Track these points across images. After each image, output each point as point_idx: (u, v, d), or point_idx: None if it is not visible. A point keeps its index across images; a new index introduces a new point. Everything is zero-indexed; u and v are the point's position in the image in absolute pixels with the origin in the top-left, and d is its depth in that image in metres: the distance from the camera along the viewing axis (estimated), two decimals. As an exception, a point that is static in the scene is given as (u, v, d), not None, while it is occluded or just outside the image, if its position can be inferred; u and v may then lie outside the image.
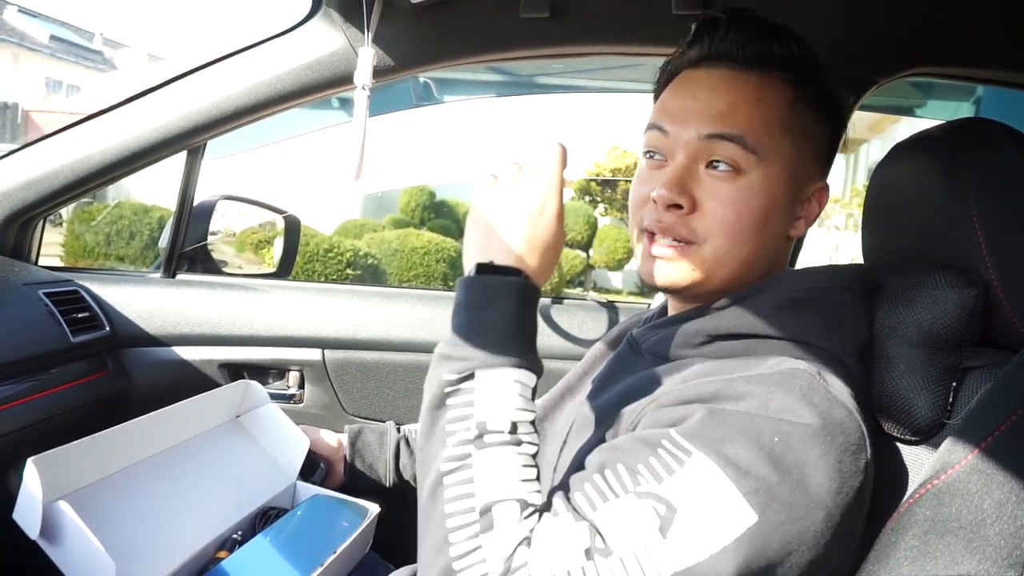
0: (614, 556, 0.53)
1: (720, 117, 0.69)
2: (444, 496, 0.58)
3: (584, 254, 10.76)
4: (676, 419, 0.60)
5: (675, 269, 0.71)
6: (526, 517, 0.57)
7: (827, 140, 0.75)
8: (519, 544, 0.55)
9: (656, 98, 0.80)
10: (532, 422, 0.62)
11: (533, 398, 0.63)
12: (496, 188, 0.67)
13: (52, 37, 23.99)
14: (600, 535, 0.55)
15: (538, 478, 0.61)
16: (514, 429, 0.59)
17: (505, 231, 0.64)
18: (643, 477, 0.57)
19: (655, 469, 0.57)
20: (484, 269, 0.64)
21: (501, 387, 0.60)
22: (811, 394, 0.59)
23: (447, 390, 0.61)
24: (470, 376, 0.60)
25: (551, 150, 0.67)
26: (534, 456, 0.61)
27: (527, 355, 0.62)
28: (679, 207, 0.69)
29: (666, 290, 0.74)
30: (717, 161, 0.69)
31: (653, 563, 0.53)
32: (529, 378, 0.61)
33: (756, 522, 0.53)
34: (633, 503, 0.55)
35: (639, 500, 0.55)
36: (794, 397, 0.58)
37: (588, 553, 0.54)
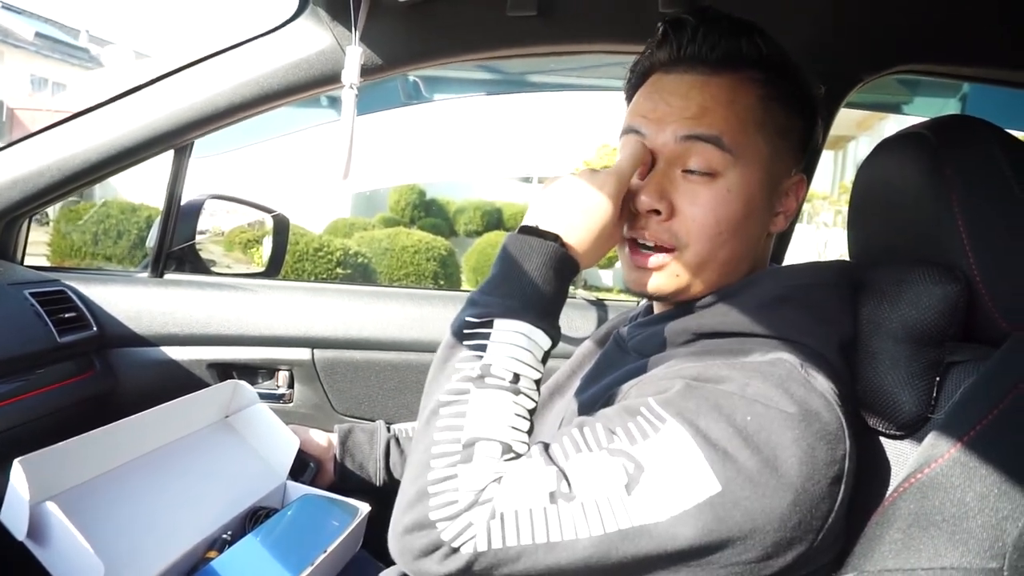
0: (576, 501, 0.56)
1: (694, 119, 0.69)
2: (436, 424, 0.61)
3: (574, 252, 10.76)
4: (657, 391, 0.62)
5: (659, 278, 0.72)
6: (505, 460, 0.59)
7: (801, 134, 0.75)
8: (491, 481, 0.58)
9: (627, 101, 0.80)
10: (537, 381, 0.64)
11: (544, 362, 0.65)
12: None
13: (37, 34, 23.77)
14: (567, 481, 0.57)
15: (529, 432, 0.63)
16: (515, 379, 0.62)
17: (558, 202, 0.68)
18: (618, 437, 0.59)
19: (631, 432, 0.59)
20: (527, 230, 0.67)
21: (514, 338, 0.62)
22: (789, 383, 0.60)
23: (465, 331, 0.64)
24: (488, 322, 0.63)
25: (633, 146, 0.70)
26: (530, 412, 0.63)
27: (547, 317, 0.65)
28: (658, 213, 0.70)
29: (652, 297, 0.75)
30: (694, 165, 0.69)
31: (613, 515, 0.55)
32: (543, 339, 0.64)
33: (719, 492, 0.55)
34: (604, 458, 0.58)
35: (611, 457, 0.58)
36: (772, 384, 0.60)
37: (552, 496, 0.56)
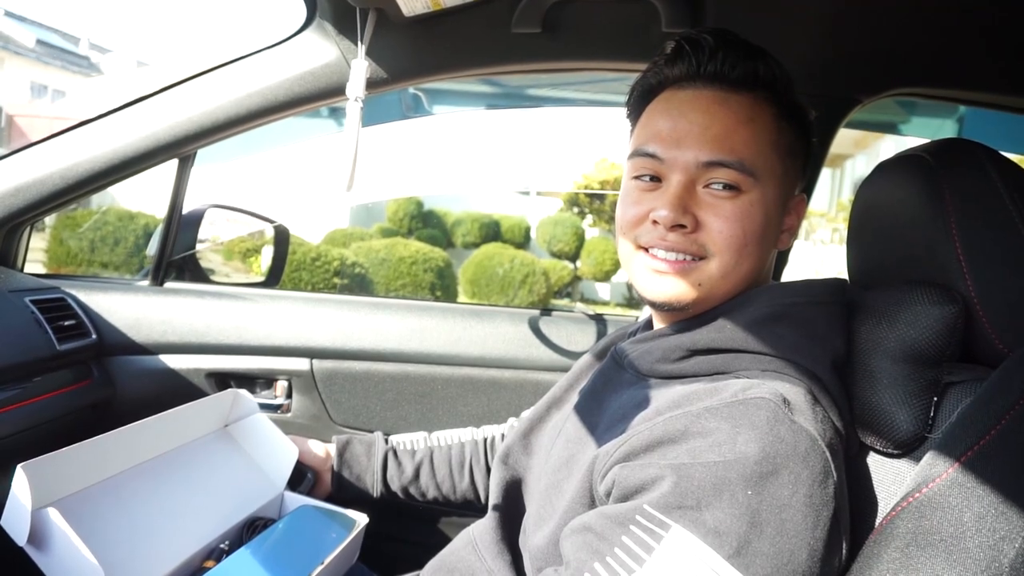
0: None
1: (717, 142, 0.69)
2: None
3: (572, 265, 10.79)
4: (644, 482, 0.60)
5: (678, 286, 0.71)
6: None
7: (805, 153, 0.77)
8: None
9: (632, 116, 0.80)
10: None
11: None
12: None
13: (38, 41, 23.81)
14: None
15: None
16: None
17: None
18: (621, 563, 0.57)
19: (631, 549, 0.57)
20: None
21: None
22: (777, 427, 0.59)
23: None
24: None
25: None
26: None
27: None
28: (683, 227, 0.70)
29: (666, 307, 0.74)
30: (716, 182, 0.70)
31: None
32: None
33: None
34: None
35: None
36: (761, 432, 0.59)
37: None
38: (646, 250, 0.74)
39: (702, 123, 0.70)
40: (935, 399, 0.67)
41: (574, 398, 0.87)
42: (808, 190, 0.83)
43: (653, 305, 0.76)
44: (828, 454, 0.60)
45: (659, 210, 0.70)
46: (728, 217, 0.70)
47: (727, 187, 0.70)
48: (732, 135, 0.70)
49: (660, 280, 0.72)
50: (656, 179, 0.73)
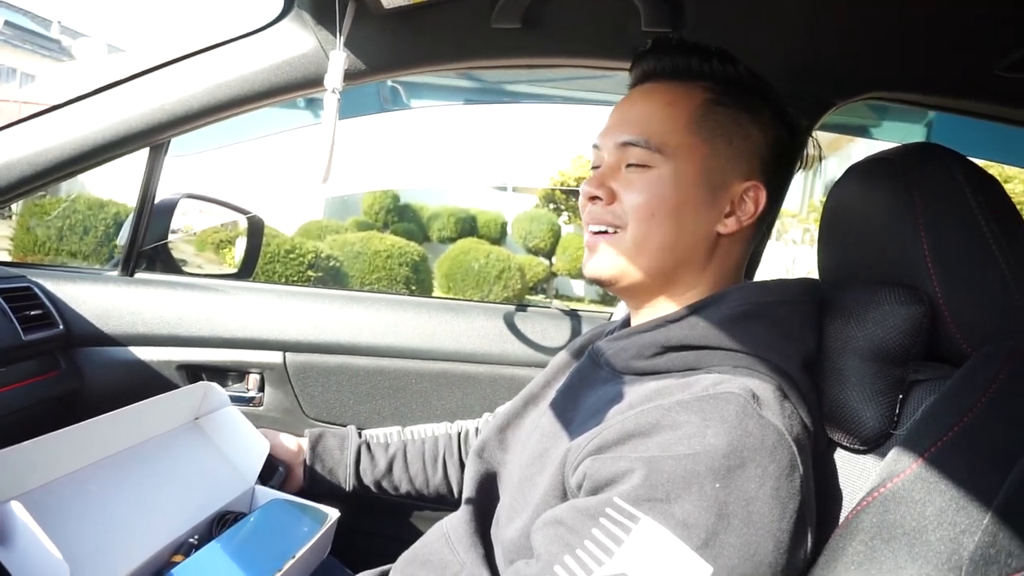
0: None
1: (631, 125, 0.77)
2: None
3: (547, 261, 10.82)
4: (614, 475, 0.61)
5: (601, 260, 0.78)
6: None
7: (755, 144, 0.77)
8: None
9: None
10: None
11: None
12: None
13: (6, 23, 23.21)
14: None
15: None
16: None
17: None
18: (591, 554, 0.58)
19: (601, 542, 0.58)
20: None
21: None
22: (745, 420, 0.60)
23: None
24: None
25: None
26: None
27: None
28: (598, 199, 0.77)
29: (595, 282, 0.80)
30: (631, 162, 0.76)
31: None
32: None
33: (712, 572, 0.55)
34: None
35: None
36: (730, 426, 0.60)
37: None
38: (587, 232, 0.80)
39: (624, 111, 0.79)
40: (900, 397, 0.68)
41: (551, 395, 0.87)
42: (780, 190, 0.84)
43: (590, 282, 0.83)
44: (795, 448, 0.61)
45: (583, 185, 0.79)
46: (636, 189, 0.75)
47: (639, 165, 0.75)
48: (647, 118, 0.76)
49: (588, 257, 0.79)
50: (599, 167, 0.80)
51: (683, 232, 0.75)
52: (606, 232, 0.77)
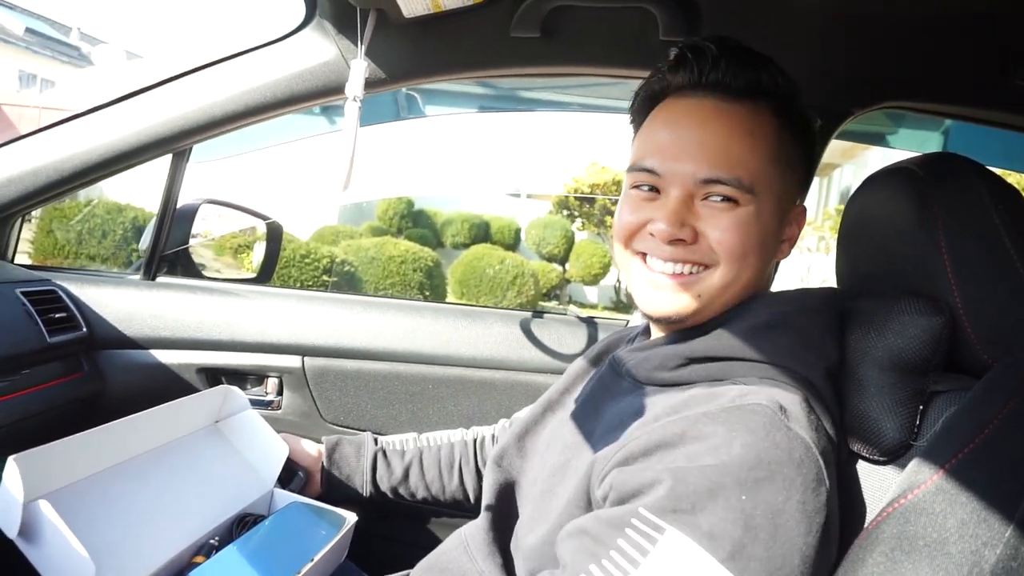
0: None
1: (714, 158, 0.69)
2: None
3: (561, 268, 10.81)
4: (641, 486, 0.61)
5: (677, 299, 0.72)
6: None
7: (805, 165, 0.78)
8: None
9: (636, 123, 0.80)
10: None
11: None
12: None
13: (27, 30, 23.56)
14: None
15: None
16: None
17: None
18: (617, 566, 0.58)
19: (627, 552, 0.58)
20: None
21: None
22: (773, 433, 0.60)
23: None
24: None
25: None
26: None
27: None
28: (682, 240, 0.71)
29: (664, 320, 0.75)
30: (715, 195, 0.70)
31: None
32: None
33: None
34: None
35: None
36: (757, 437, 0.59)
37: None
38: (643, 257, 0.74)
39: (700, 137, 0.71)
40: (921, 408, 0.68)
41: (570, 403, 0.87)
42: (801, 198, 0.84)
43: (651, 318, 0.76)
44: (821, 462, 0.61)
45: (657, 223, 0.71)
46: (727, 228, 0.70)
47: (725, 199, 0.70)
48: (730, 150, 0.70)
49: (659, 295, 0.73)
50: (655, 190, 0.73)
51: (763, 266, 0.74)
52: (684, 272, 0.72)
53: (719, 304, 0.73)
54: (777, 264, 1.24)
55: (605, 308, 10.84)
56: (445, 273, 8.77)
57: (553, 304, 10.26)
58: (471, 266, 8.84)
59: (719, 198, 0.70)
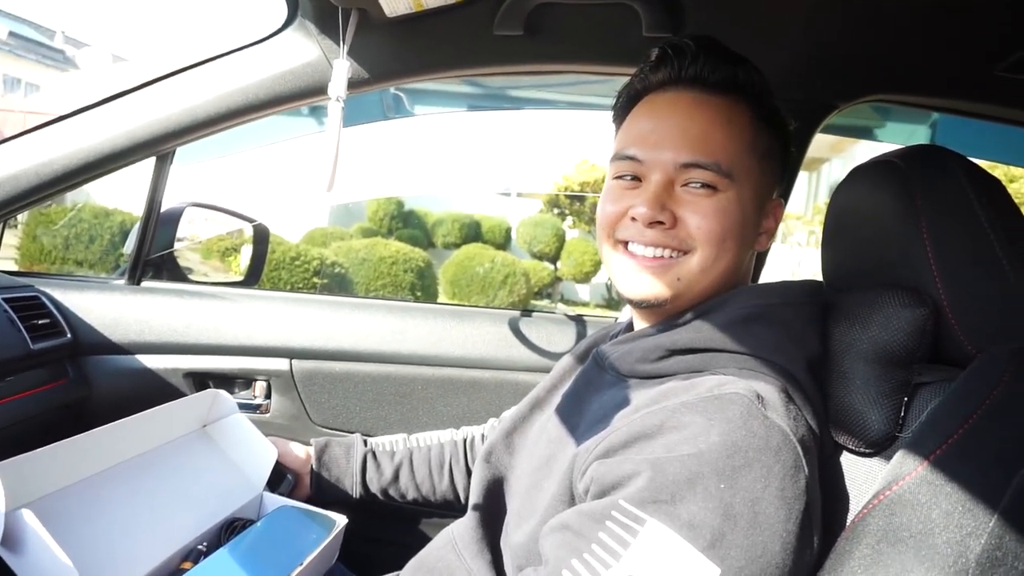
0: None
1: (694, 143, 0.71)
2: None
3: (552, 266, 10.82)
4: (620, 478, 0.61)
5: (657, 283, 0.73)
6: None
7: (781, 156, 0.80)
8: None
9: (618, 120, 0.82)
10: None
11: None
12: None
13: (11, 33, 23.36)
14: None
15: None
16: None
17: None
18: (598, 559, 0.58)
19: (608, 545, 0.58)
20: None
21: None
22: (750, 421, 0.60)
23: None
24: None
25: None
26: None
27: None
28: (661, 223, 0.72)
29: (644, 303, 0.76)
30: (694, 181, 0.72)
31: None
32: None
33: (719, 574, 0.55)
34: None
35: None
36: (735, 426, 0.60)
37: None
38: (625, 246, 0.76)
39: (680, 125, 0.73)
40: (905, 399, 0.68)
41: (557, 399, 0.88)
42: (785, 193, 0.84)
43: (632, 302, 0.77)
44: (800, 449, 0.61)
45: (638, 207, 0.73)
46: (706, 214, 0.72)
47: (704, 186, 0.72)
48: (709, 137, 0.72)
49: (639, 277, 0.74)
50: (636, 179, 0.75)
51: (742, 255, 0.76)
52: (663, 256, 0.73)
53: (698, 290, 0.74)
54: (764, 258, 1.26)
55: (597, 306, 10.86)
56: (436, 273, 8.76)
57: (545, 303, 10.27)
58: (462, 266, 8.84)
59: (698, 184, 0.72)
